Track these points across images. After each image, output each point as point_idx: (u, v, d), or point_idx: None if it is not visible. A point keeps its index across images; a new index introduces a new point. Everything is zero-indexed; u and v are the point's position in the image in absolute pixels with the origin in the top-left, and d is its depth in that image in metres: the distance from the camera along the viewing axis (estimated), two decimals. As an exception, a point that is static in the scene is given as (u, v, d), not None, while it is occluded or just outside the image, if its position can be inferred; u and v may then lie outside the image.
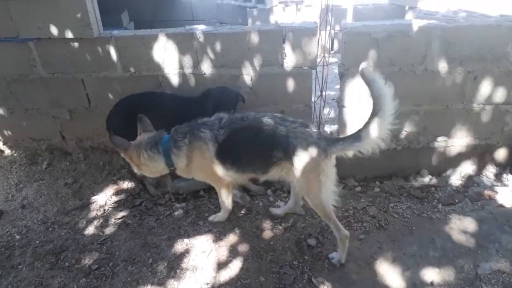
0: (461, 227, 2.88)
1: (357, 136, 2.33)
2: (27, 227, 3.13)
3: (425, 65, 3.02)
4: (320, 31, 3.09)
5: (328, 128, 3.55)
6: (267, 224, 3.01)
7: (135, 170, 2.86)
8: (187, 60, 3.25)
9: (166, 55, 3.24)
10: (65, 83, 3.49)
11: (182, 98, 3.23)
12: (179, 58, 3.24)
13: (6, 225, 3.18)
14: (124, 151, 2.74)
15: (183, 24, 3.33)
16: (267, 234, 2.92)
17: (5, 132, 3.89)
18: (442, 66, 3.01)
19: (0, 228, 3.15)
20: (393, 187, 3.37)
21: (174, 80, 3.36)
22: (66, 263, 2.73)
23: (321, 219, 3.03)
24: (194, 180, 3.37)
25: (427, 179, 3.45)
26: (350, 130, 3.32)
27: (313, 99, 3.40)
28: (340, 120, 3.32)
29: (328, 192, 2.53)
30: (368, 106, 3.13)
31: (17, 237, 3.03)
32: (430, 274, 2.52)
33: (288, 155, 2.46)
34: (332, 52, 3.40)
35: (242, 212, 3.16)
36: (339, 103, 3.27)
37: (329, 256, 2.71)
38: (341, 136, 2.46)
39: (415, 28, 2.90)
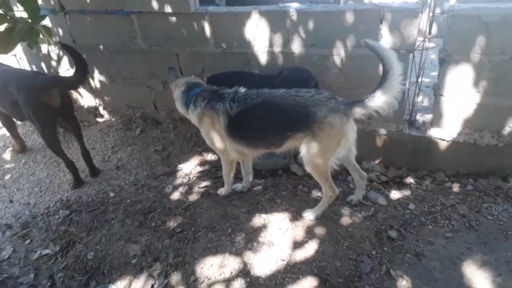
0: None
1: (373, 97, 2.40)
2: (120, 186, 3.41)
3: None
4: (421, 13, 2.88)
5: (421, 118, 3.34)
6: (345, 211, 2.95)
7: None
8: (278, 39, 3.24)
9: (258, 33, 3.25)
10: (161, 56, 3.68)
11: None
12: (270, 36, 3.24)
13: (103, 183, 3.49)
14: (170, 83, 3.05)
15: (275, 2, 3.31)
16: (346, 220, 2.86)
17: (105, 98, 4.24)
18: None
19: (97, 185, 3.47)
20: (489, 186, 3.10)
21: (263, 58, 3.38)
22: (153, 223, 2.93)
23: (404, 211, 2.92)
24: (271, 159, 3.44)
25: (530, 181, 3.11)
26: (447, 121, 3.10)
27: (406, 86, 3.20)
28: (435, 109, 3.11)
29: (337, 157, 2.61)
30: (470, 97, 2.92)
31: (111, 194, 3.32)
32: (526, 284, 2.30)
33: (308, 125, 2.47)
34: (429, 36, 3.15)
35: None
36: (436, 91, 3.06)
37: (303, 214, 2.86)
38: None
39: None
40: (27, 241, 3.01)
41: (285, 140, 2.62)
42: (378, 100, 2.40)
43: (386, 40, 2.95)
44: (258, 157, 3.14)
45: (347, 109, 2.46)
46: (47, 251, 2.88)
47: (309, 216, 2.86)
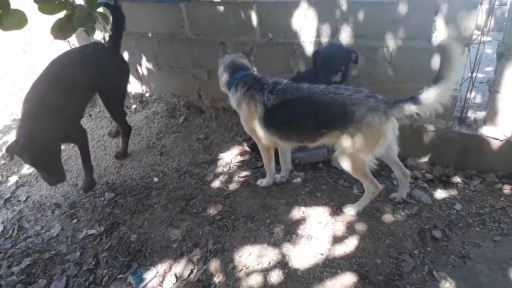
0: None
1: (415, 99, 2.31)
2: (163, 172, 3.49)
3: None
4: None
5: (473, 115, 3.18)
6: (387, 208, 2.87)
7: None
8: (325, 29, 3.18)
9: (305, 23, 3.20)
10: (207, 45, 3.71)
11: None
12: (318, 26, 3.18)
13: (147, 168, 3.59)
14: (218, 58, 3.06)
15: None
16: (387, 218, 2.78)
17: (152, 85, 4.34)
18: None
19: (142, 169, 3.58)
20: (544, 190, 2.92)
21: (309, 48, 3.33)
22: (194, 210, 2.99)
23: (450, 211, 2.81)
24: (311, 152, 3.39)
25: None
26: (503, 119, 2.94)
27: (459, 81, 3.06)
28: (490, 106, 2.95)
29: (376, 156, 2.56)
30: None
31: (155, 180, 3.41)
32: None
33: (345, 124, 2.43)
34: (486, 29, 2.98)
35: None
36: (492, 87, 2.90)
37: (344, 209, 2.83)
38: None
39: None
40: (74, 221, 3.16)
41: (319, 137, 2.61)
42: (422, 104, 2.30)
43: (440, 33, 2.81)
44: (297, 149, 3.11)
45: (387, 108, 2.39)
46: (92, 231, 3.01)
47: (350, 211, 2.81)
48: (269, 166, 3.09)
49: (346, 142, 2.49)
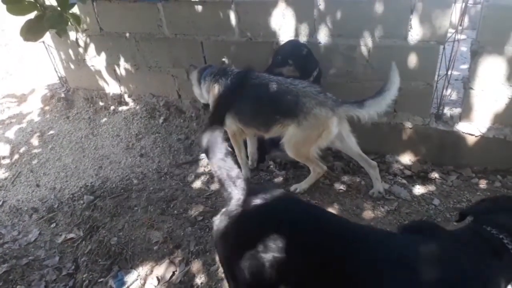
0: None
1: (362, 104, 2.60)
2: (143, 174, 3.45)
3: None
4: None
5: (449, 111, 3.25)
6: (368, 204, 2.90)
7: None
8: (304, 28, 3.19)
9: (284, 22, 3.21)
10: (185, 44, 3.68)
11: None
12: (296, 25, 3.19)
13: (126, 169, 3.55)
14: (187, 71, 3.37)
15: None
16: (368, 214, 2.81)
17: (130, 85, 4.28)
18: None
19: (121, 171, 3.53)
20: (519, 183, 3.00)
21: (288, 47, 3.33)
22: (175, 211, 2.96)
23: (428, 207, 2.87)
24: None
25: None
26: (477, 115, 3.01)
27: (435, 78, 3.12)
28: (465, 103, 3.02)
29: (319, 147, 2.78)
30: (502, 91, 2.82)
31: (135, 181, 3.37)
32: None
33: (296, 113, 2.67)
34: (460, 28, 3.05)
35: (342, 188, 3.09)
36: (466, 84, 2.96)
37: (291, 188, 3.02)
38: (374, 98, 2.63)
39: None
40: (53, 225, 3.10)
41: (273, 124, 2.80)
42: (364, 110, 2.60)
43: (416, 31, 2.86)
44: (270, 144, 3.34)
45: (334, 105, 2.65)
46: (71, 235, 2.95)
47: (297, 189, 3.01)
48: (239, 156, 3.20)
49: (293, 130, 2.73)
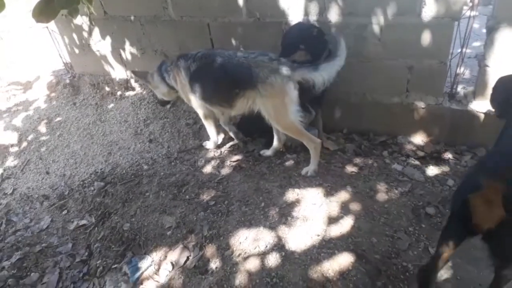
0: None
1: (316, 67, 2.64)
2: (153, 159, 3.43)
3: None
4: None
5: (462, 90, 3.18)
6: (381, 186, 2.87)
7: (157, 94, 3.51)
8: (313, 7, 3.10)
9: (293, 1, 3.12)
10: (192, 27, 3.61)
11: None
12: (305, 4, 3.10)
13: (136, 155, 3.52)
14: (145, 79, 3.41)
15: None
16: (381, 196, 2.78)
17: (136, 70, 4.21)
18: None
19: (131, 157, 3.51)
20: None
21: (297, 27, 3.25)
22: (187, 196, 2.94)
23: (442, 188, 2.83)
24: None
25: None
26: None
27: (449, 56, 3.04)
28: (479, 81, 2.95)
29: (294, 112, 2.79)
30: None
31: (145, 167, 3.35)
32: None
33: (253, 84, 2.71)
34: (476, 2, 2.95)
35: (354, 170, 3.06)
36: (481, 62, 2.88)
37: (302, 172, 3.03)
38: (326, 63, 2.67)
39: None
40: (64, 212, 3.10)
41: (235, 98, 2.85)
42: (318, 73, 2.65)
43: (430, 7, 2.77)
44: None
45: (289, 71, 2.68)
46: (83, 221, 2.95)
47: (308, 173, 3.02)
48: (209, 131, 3.42)
49: (262, 104, 2.80)
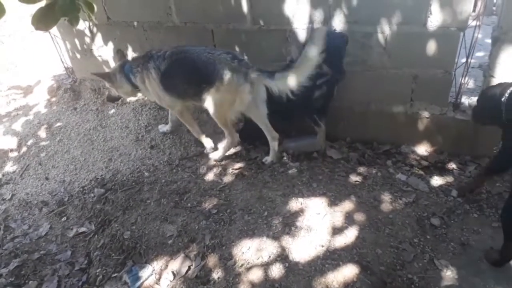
0: None
1: (272, 75, 2.79)
2: (155, 166, 3.39)
3: None
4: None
5: (467, 100, 3.16)
6: (385, 196, 2.84)
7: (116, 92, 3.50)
8: (318, 15, 3.09)
9: (297, 8, 3.11)
10: (195, 33, 3.59)
11: None
12: (310, 12, 3.09)
13: (137, 162, 3.48)
14: (107, 79, 3.37)
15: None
16: (386, 206, 2.75)
17: (138, 76, 4.19)
18: None
19: (132, 164, 3.47)
20: (540, 174, 2.92)
21: (302, 35, 3.23)
22: (189, 204, 2.90)
23: (447, 198, 2.80)
24: (304, 142, 3.40)
25: None
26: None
27: (454, 66, 3.02)
28: (485, 91, 2.93)
29: (236, 112, 3.02)
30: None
31: (146, 174, 3.31)
32: None
33: (214, 79, 2.86)
34: (474, 14, 2.95)
35: (358, 180, 3.03)
36: (487, 72, 2.87)
37: (263, 160, 3.27)
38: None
39: None
40: (63, 219, 3.05)
41: (203, 93, 2.96)
42: (274, 82, 2.78)
43: (435, 17, 2.76)
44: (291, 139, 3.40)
45: (248, 72, 2.84)
46: (83, 229, 2.90)
47: (214, 156, 3.35)
48: (194, 131, 3.50)
49: (213, 95, 2.93)
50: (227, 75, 2.83)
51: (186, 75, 3.02)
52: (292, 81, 2.72)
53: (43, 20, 1.80)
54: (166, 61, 3.02)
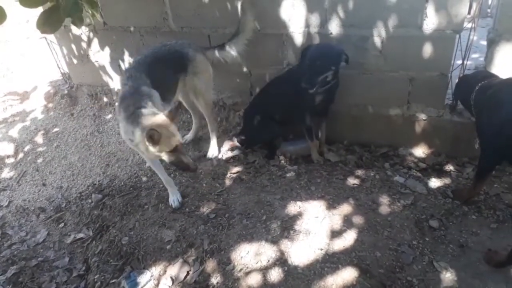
0: None
1: (222, 47, 3.15)
2: (152, 171, 3.37)
3: None
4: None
5: (464, 102, 3.17)
6: (383, 199, 2.84)
7: None
8: (314, 19, 3.10)
9: (293, 13, 3.12)
10: (192, 38, 3.57)
11: None
12: (306, 16, 3.10)
13: (134, 167, 3.48)
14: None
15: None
16: (384, 209, 2.75)
17: (135, 82, 4.19)
18: None
19: (129, 169, 3.46)
20: (538, 175, 2.93)
21: (298, 39, 3.25)
22: (187, 209, 2.90)
23: (445, 200, 2.80)
24: (302, 145, 3.39)
25: None
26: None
27: (450, 68, 3.03)
28: (481, 93, 2.94)
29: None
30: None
31: (144, 179, 3.30)
32: None
33: (186, 64, 3.01)
34: (469, 16, 2.96)
35: (356, 182, 3.02)
36: (483, 74, 2.88)
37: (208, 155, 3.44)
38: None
39: None
40: (61, 225, 3.04)
41: (182, 78, 3.05)
42: (225, 51, 3.13)
43: (431, 19, 2.77)
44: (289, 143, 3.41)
45: (204, 50, 3.15)
46: (81, 235, 2.90)
47: (214, 154, 3.45)
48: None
49: (193, 80, 3.06)
50: (196, 56, 3.04)
51: (163, 73, 2.90)
52: (240, 45, 3.14)
53: (48, 23, 1.81)
54: (143, 69, 2.83)
